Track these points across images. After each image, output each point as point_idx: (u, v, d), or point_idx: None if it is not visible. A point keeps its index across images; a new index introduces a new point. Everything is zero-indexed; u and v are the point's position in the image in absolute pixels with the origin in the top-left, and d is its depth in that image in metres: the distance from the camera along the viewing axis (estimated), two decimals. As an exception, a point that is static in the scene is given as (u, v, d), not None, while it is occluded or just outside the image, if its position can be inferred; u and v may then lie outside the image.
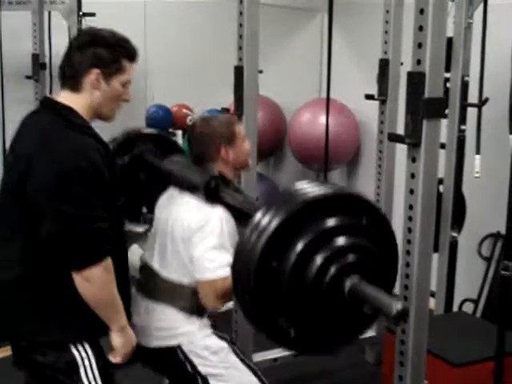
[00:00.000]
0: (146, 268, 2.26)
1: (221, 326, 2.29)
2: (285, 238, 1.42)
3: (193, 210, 2.11)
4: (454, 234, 3.19)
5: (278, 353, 3.06)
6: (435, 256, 2.86)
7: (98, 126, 1.96)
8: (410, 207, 1.85)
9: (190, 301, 2.14)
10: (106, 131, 2.11)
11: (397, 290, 1.84)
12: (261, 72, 2.66)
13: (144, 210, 2.54)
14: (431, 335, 1.94)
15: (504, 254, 2.58)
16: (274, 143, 5.04)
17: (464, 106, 3.07)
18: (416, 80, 1.77)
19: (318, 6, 4.83)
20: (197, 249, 2.07)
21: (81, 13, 3.59)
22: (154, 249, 2.24)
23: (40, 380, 1.95)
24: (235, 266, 1.50)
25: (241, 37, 2.60)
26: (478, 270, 3.84)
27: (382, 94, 3.37)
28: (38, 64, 3.84)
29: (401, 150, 2.11)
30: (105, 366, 1.91)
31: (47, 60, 3.94)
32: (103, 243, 1.80)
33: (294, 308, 1.44)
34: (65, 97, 1.90)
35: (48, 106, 1.93)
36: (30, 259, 1.84)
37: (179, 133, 4.59)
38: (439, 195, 3.03)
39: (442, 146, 2.79)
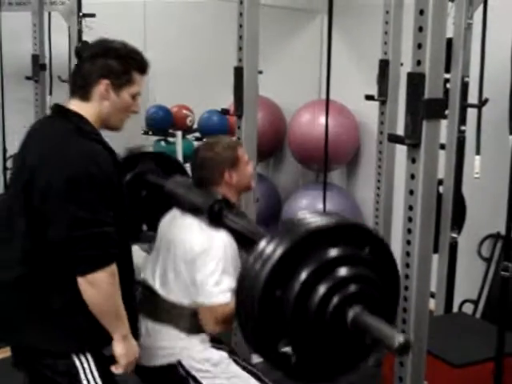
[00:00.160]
0: (145, 287, 2.25)
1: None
2: (288, 267, 1.42)
3: (196, 232, 2.11)
4: (454, 235, 3.18)
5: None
6: (435, 257, 2.86)
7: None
8: (410, 208, 1.85)
9: (190, 321, 2.13)
10: (106, 133, 2.10)
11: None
12: (261, 73, 2.66)
13: (144, 227, 2.52)
14: (431, 336, 1.94)
15: (504, 254, 2.58)
16: (274, 144, 5.04)
17: (464, 106, 3.07)
18: (416, 81, 1.77)
19: (318, 6, 4.83)
20: (200, 272, 2.06)
21: (81, 13, 3.59)
22: (155, 269, 2.23)
23: (39, 381, 1.94)
24: (239, 294, 1.51)
25: (241, 37, 2.59)
26: (477, 270, 3.84)
27: (382, 95, 3.38)
28: (38, 65, 3.84)
29: (401, 150, 2.11)
30: (106, 373, 1.90)
31: (47, 61, 3.95)
32: (109, 247, 1.79)
33: (297, 337, 1.44)
34: (75, 105, 1.92)
35: (59, 113, 1.94)
36: (30, 260, 1.84)
37: (179, 133, 4.58)
38: (439, 196, 3.03)
39: (442, 146, 2.79)
